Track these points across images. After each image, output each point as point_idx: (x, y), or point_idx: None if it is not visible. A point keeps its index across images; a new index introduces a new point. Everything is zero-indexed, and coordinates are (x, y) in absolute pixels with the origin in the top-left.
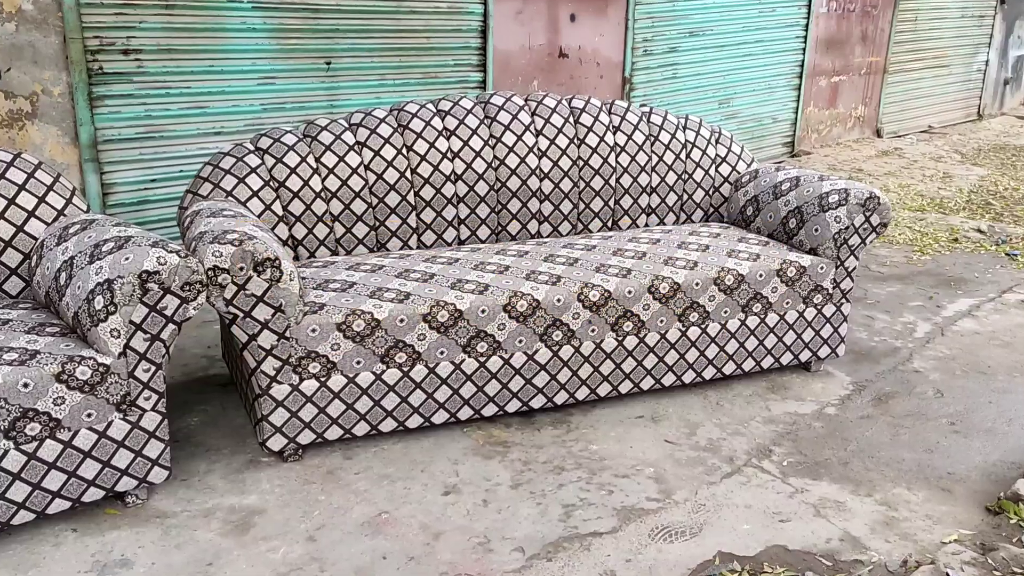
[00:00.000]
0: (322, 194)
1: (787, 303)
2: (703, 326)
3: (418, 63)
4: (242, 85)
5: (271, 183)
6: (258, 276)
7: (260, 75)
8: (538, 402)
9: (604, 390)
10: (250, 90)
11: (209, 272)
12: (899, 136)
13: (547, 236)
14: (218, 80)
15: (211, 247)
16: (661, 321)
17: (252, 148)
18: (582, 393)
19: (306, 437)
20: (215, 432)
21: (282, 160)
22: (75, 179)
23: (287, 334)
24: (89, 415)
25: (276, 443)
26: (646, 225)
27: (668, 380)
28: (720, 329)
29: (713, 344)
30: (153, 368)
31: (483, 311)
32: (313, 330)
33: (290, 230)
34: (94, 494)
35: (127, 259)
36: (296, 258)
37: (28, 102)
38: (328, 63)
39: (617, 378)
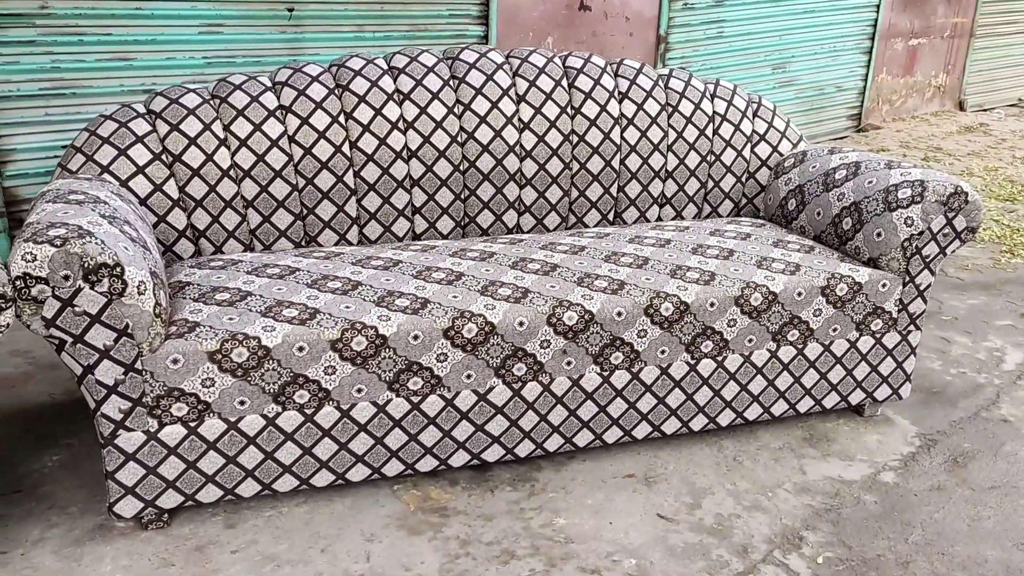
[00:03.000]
0: (231, 172)
1: (834, 330)
2: (719, 358)
3: (404, 12)
4: (179, 33)
5: (164, 156)
6: (91, 288)
7: (202, 21)
8: (493, 454)
9: (583, 439)
10: (189, 39)
11: (18, 281)
12: (985, 110)
13: (529, 231)
14: (147, 26)
15: (23, 247)
16: (662, 352)
17: (142, 111)
18: (553, 443)
19: (171, 500)
20: (69, 481)
21: (178, 127)
22: None
23: (138, 365)
24: None
25: (127, 508)
26: (658, 219)
27: (670, 427)
28: (742, 363)
29: (732, 381)
30: None
31: (416, 337)
32: (175, 360)
33: (189, 218)
34: None
35: None
36: (198, 253)
37: None
38: (291, 9)
39: (601, 424)
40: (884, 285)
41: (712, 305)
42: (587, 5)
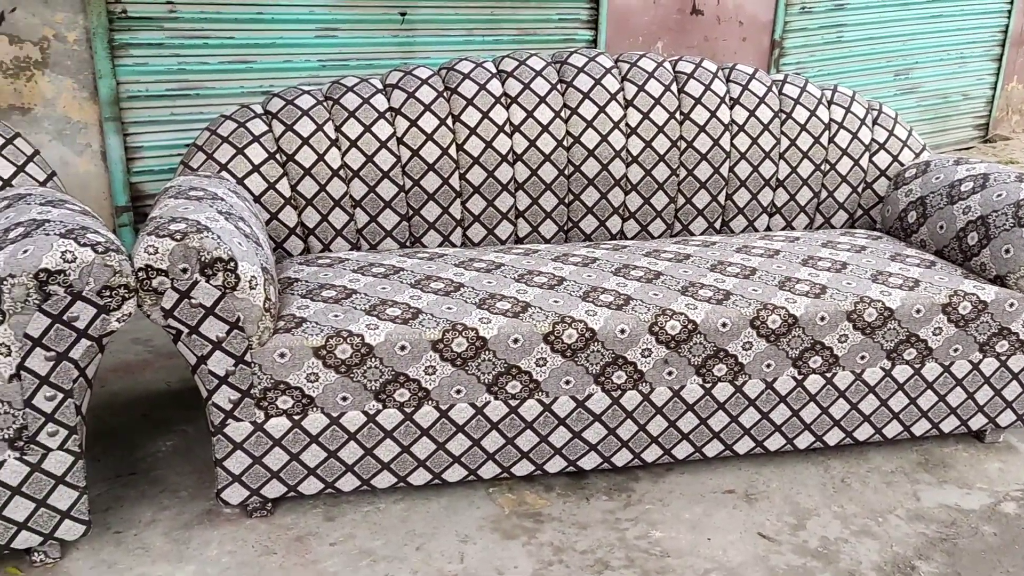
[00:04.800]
0: (341, 172)
1: (955, 350)
2: (828, 375)
3: (514, 16)
4: (296, 37)
5: (278, 156)
6: (207, 281)
7: (319, 25)
8: (590, 462)
9: (683, 451)
10: (306, 43)
11: (140, 273)
12: None
13: (632, 237)
14: (267, 30)
15: (145, 240)
16: (768, 365)
17: (260, 112)
18: (651, 454)
19: (274, 490)
20: (181, 466)
21: (293, 128)
22: (95, 141)
23: (247, 358)
24: None
25: (234, 495)
26: (767, 229)
27: (774, 443)
28: (853, 380)
29: (842, 399)
30: (60, 396)
31: (516, 341)
32: (282, 355)
33: (299, 216)
34: None
35: (25, 252)
36: (307, 250)
37: (37, 48)
38: (403, 13)
39: (701, 437)
40: (1012, 305)
41: (822, 319)
42: (699, 9)
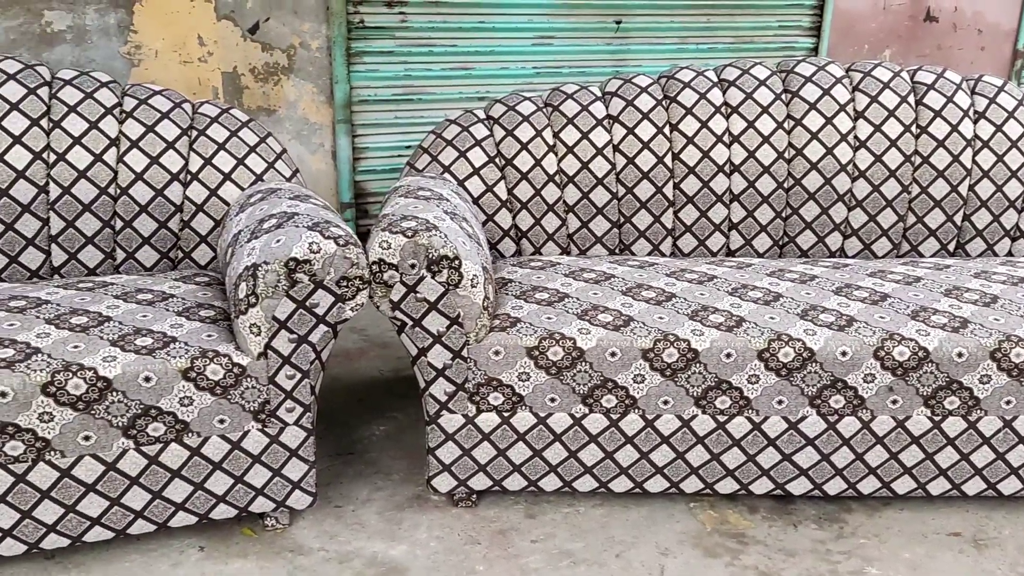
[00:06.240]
0: (556, 177)
1: None
2: None
3: (730, 24)
4: (514, 45)
5: (497, 160)
6: (432, 277)
7: (536, 34)
8: (799, 487)
9: (903, 486)
10: (523, 51)
11: (374, 266)
12: None
13: (854, 256)
14: (488, 38)
15: (380, 236)
16: (1007, 402)
17: (482, 117)
18: (868, 485)
19: (480, 483)
20: (393, 450)
21: (513, 133)
22: (327, 141)
23: (464, 353)
24: (221, 421)
25: (443, 484)
26: (1008, 254)
27: (1009, 487)
28: None
29: None
30: (298, 375)
31: (729, 355)
32: (497, 352)
33: (514, 218)
34: (224, 512)
35: (278, 242)
36: (518, 252)
37: (285, 55)
38: (618, 22)
39: (926, 473)
40: None
41: None
42: (934, 16)
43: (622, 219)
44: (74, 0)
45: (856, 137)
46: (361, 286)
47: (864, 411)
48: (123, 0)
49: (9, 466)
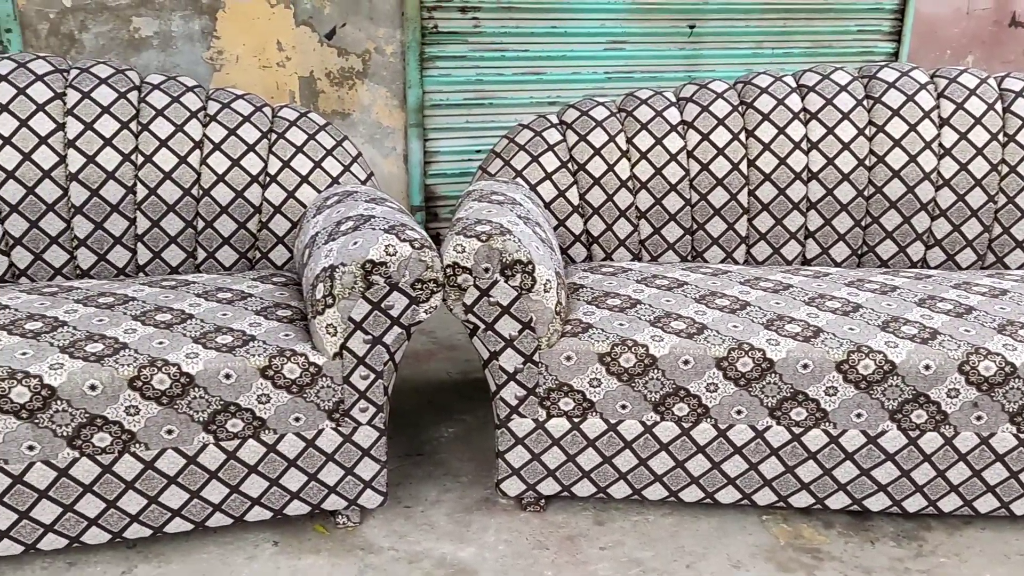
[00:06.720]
0: (629, 183)
1: None
2: None
3: (807, 28)
4: (586, 50)
5: (570, 165)
6: (505, 281)
7: (608, 38)
8: (877, 503)
9: (986, 505)
10: (595, 55)
11: (448, 269)
12: None
13: (936, 267)
14: (560, 43)
15: (454, 240)
16: None
17: (555, 121)
18: (949, 503)
19: (549, 487)
20: (462, 452)
21: (586, 138)
22: (399, 145)
23: (536, 358)
24: (297, 419)
25: (512, 487)
26: None
27: None
28: None
29: None
30: (372, 376)
31: (806, 366)
32: (568, 358)
33: (585, 224)
34: (297, 508)
35: (355, 244)
36: (589, 258)
37: (360, 60)
38: (692, 26)
39: (1010, 492)
40: None
41: None
42: (1020, 21)
43: (695, 226)
44: (161, 7)
45: (941, 145)
46: (435, 289)
47: (947, 427)
48: (207, 7)
49: (97, 456)
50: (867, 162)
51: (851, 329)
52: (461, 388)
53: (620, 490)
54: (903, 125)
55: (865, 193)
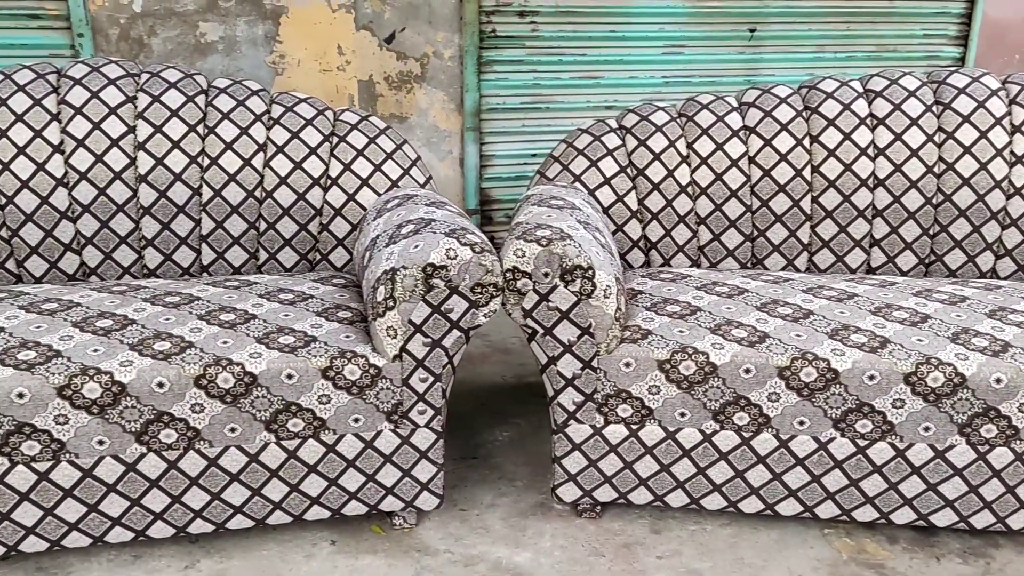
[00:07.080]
0: (689, 189)
1: None
2: None
3: (871, 32)
4: (644, 54)
5: (629, 169)
6: (565, 286)
7: (667, 42)
8: (944, 519)
9: None
10: (653, 60)
11: (507, 274)
12: None
13: (1007, 277)
14: (617, 47)
15: (514, 244)
16: None
17: (615, 126)
18: (1019, 520)
19: (605, 494)
20: (517, 456)
21: (645, 143)
22: (456, 148)
23: (594, 363)
24: (356, 420)
25: (568, 493)
26: None
27: None
28: None
29: None
30: (431, 379)
31: (872, 377)
32: (627, 364)
33: (644, 229)
34: (355, 508)
35: (416, 247)
36: (647, 263)
37: (418, 64)
38: (752, 30)
39: None
40: None
41: None
42: None
43: (756, 232)
44: (227, 12)
45: (1012, 152)
46: (495, 293)
47: (1018, 442)
48: (271, 12)
49: (163, 453)
50: (936, 169)
51: (919, 340)
52: (515, 392)
53: (677, 499)
54: (973, 132)
55: (933, 201)
